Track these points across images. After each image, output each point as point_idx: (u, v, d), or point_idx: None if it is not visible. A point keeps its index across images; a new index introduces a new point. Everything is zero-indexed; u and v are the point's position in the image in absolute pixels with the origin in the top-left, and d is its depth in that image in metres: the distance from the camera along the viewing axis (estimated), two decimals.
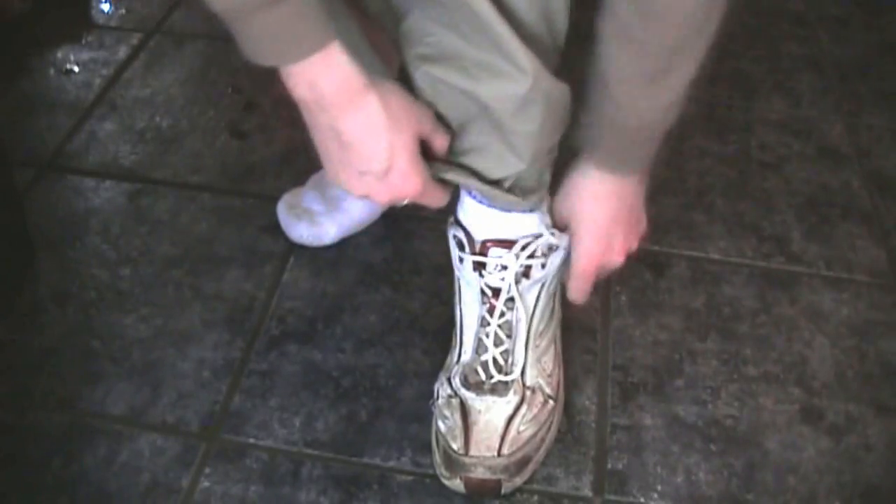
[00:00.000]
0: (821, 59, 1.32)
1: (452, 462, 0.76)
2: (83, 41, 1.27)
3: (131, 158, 1.09)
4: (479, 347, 0.79)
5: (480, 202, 0.75)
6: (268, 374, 0.87)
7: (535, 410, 0.78)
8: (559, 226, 0.79)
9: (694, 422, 0.85)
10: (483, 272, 0.78)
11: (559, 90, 0.69)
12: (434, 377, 0.83)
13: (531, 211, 0.76)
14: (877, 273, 1.00)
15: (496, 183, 0.72)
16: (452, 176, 0.71)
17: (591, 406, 0.86)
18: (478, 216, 0.76)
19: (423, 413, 0.83)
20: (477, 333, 0.79)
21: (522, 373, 0.79)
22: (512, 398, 0.77)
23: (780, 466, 0.82)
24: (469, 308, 0.80)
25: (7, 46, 1.26)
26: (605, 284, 0.97)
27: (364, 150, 0.64)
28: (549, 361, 0.82)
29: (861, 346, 0.92)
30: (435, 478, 0.78)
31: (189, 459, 0.80)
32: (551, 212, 0.79)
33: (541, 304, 0.80)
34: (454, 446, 0.76)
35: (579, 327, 0.92)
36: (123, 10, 1.34)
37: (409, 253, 0.99)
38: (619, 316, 0.94)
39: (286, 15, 0.57)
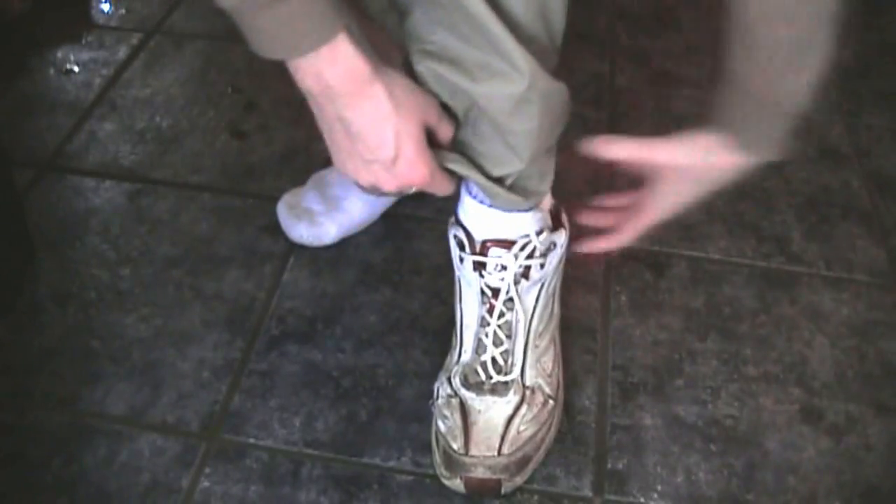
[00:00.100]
0: None
1: (452, 462, 0.76)
2: (83, 41, 1.27)
3: (131, 158, 1.09)
4: (479, 347, 0.79)
5: (481, 202, 0.75)
6: (268, 374, 0.87)
7: (535, 410, 0.78)
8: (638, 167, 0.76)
9: (694, 422, 0.85)
10: (483, 272, 0.78)
11: (557, 90, 0.69)
12: (434, 377, 0.83)
13: (529, 210, 0.76)
14: (877, 273, 1.00)
15: (497, 180, 0.72)
16: (457, 166, 0.71)
17: (590, 406, 0.86)
18: (478, 216, 0.76)
19: (423, 413, 0.83)
20: (477, 333, 0.79)
21: (522, 373, 0.79)
22: (512, 398, 0.77)
23: (780, 466, 0.82)
24: (469, 308, 0.80)
25: (7, 46, 1.26)
26: (605, 284, 0.97)
27: (371, 139, 0.64)
28: (548, 361, 0.82)
29: (861, 346, 0.92)
30: (435, 478, 0.78)
31: (189, 459, 0.80)
32: (552, 211, 0.79)
33: (540, 304, 0.81)
34: (454, 446, 0.76)
35: (579, 327, 0.92)
36: (123, 10, 1.34)
37: (409, 253, 0.99)
38: (619, 316, 0.94)
39: (295, 8, 0.57)
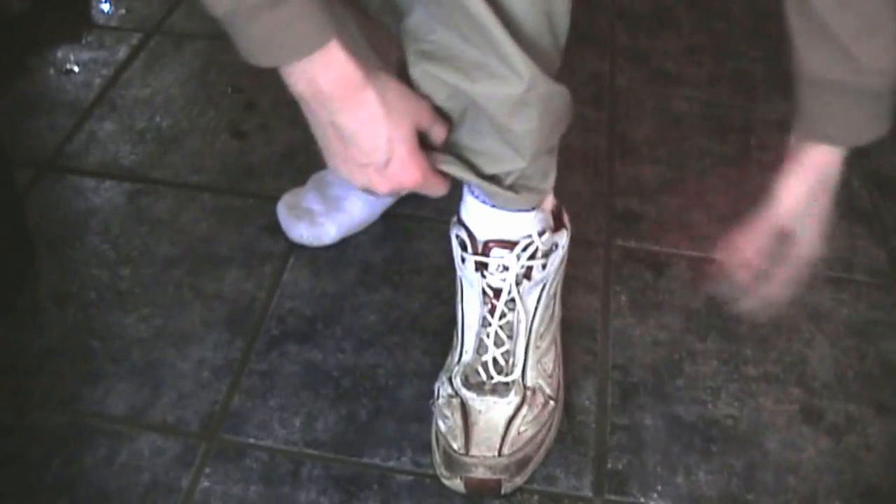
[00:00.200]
0: None
1: (453, 462, 0.76)
2: (83, 41, 1.27)
3: (131, 158, 1.09)
4: (480, 347, 0.79)
5: (483, 202, 0.75)
6: (268, 374, 0.87)
7: (535, 411, 0.78)
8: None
9: (694, 422, 0.85)
10: (485, 272, 0.78)
11: (557, 93, 0.69)
12: (434, 377, 0.83)
13: (531, 210, 0.76)
14: (877, 273, 1.00)
15: (494, 178, 0.72)
16: (449, 168, 0.71)
17: (590, 406, 0.86)
18: (480, 216, 0.76)
19: (423, 413, 0.83)
20: (478, 333, 0.79)
21: (523, 374, 0.79)
22: (513, 399, 0.77)
23: (780, 466, 0.82)
24: (471, 308, 0.80)
25: (7, 46, 1.26)
26: (605, 284, 0.97)
27: (364, 143, 0.64)
28: (549, 362, 0.82)
29: (861, 346, 0.92)
30: (435, 478, 0.78)
31: (189, 459, 0.80)
32: (553, 212, 0.79)
33: (541, 305, 0.81)
34: (454, 446, 0.76)
35: (579, 327, 0.92)
36: (123, 10, 1.34)
37: (409, 253, 0.99)
38: (619, 316, 0.94)
39: (287, 15, 0.57)
